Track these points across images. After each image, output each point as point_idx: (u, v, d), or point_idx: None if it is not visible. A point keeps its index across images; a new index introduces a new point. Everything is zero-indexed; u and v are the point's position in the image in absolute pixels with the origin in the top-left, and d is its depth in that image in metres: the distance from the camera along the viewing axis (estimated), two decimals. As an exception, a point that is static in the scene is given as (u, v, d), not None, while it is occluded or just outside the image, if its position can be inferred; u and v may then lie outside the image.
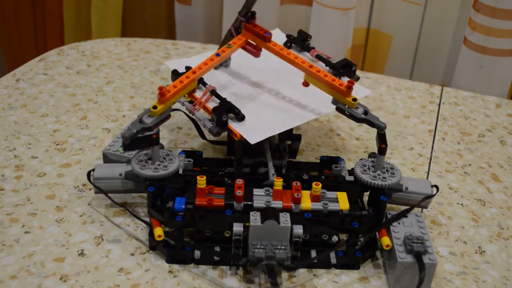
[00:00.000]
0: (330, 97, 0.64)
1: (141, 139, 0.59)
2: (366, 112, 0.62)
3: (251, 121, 0.64)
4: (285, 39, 0.78)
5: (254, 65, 0.74)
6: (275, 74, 0.73)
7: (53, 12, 1.36)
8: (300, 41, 0.77)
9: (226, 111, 0.62)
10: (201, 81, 0.67)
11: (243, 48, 0.71)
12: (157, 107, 0.59)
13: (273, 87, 0.71)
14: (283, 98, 0.69)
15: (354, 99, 0.62)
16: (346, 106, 0.63)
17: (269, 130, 0.63)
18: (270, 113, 0.67)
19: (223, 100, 0.64)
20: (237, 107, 0.63)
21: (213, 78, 0.71)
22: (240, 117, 0.63)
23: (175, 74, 0.69)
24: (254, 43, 0.70)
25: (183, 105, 0.66)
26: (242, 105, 0.66)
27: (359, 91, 0.71)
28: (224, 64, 0.74)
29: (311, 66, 0.66)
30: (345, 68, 0.71)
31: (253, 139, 0.61)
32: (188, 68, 0.69)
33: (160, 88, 0.59)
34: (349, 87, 0.62)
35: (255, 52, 0.70)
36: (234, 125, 0.63)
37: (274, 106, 0.68)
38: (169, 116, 0.60)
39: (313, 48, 0.75)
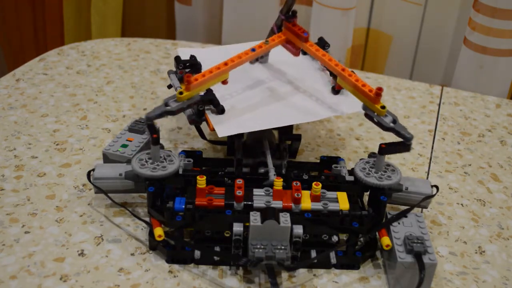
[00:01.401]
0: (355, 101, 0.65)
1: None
2: (394, 121, 0.61)
3: (235, 115, 0.65)
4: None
5: (292, 62, 0.75)
6: (310, 72, 0.74)
7: (53, 12, 1.36)
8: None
9: (205, 102, 0.63)
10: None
11: (284, 46, 0.71)
12: (183, 93, 0.60)
13: (299, 85, 0.72)
14: (301, 95, 0.70)
15: (383, 107, 0.61)
16: (375, 114, 0.62)
17: (243, 127, 0.64)
18: (268, 110, 0.67)
19: (208, 91, 0.64)
20: (217, 99, 0.64)
21: (246, 72, 0.73)
22: (219, 110, 0.64)
23: (178, 61, 0.69)
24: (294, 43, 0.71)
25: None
26: (251, 101, 0.68)
27: (347, 106, 0.69)
28: (260, 59, 0.74)
29: (343, 70, 0.65)
30: None
31: (221, 132, 0.62)
32: (192, 57, 0.70)
33: (188, 76, 0.59)
34: (378, 94, 0.61)
35: (294, 51, 0.71)
36: (211, 116, 0.64)
37: (281, 103, 0.68)
38: (195, 103, 0.61)
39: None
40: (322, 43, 0.75)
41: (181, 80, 0.69)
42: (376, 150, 0.64)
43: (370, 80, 0.99)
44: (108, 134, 0.79)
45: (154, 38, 1.07)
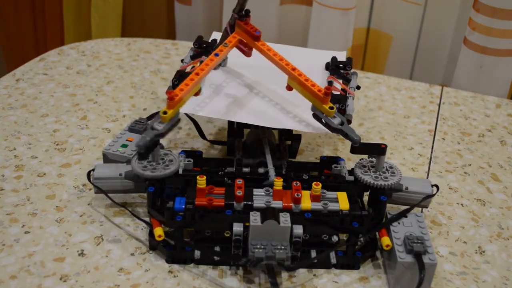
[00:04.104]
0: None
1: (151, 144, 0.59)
2: (342, 122, 0.61)
3: (209, 99, 0.67)
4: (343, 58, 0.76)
5: (250, 64, 0.73)
6: (269, 73, 0.72)
7: (53, 12, 1.36)
8: (338, 66, 0.73)
9: (184, 78, 0.64)
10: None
11: (236, 46, 0.70)
12: (167, 112, 0.57)
13: (266, 88, 0.71)
14: (270, 100, 0.69)
15: (331, 107, 0.61)
16: (324, 114, 0.61)
17: (205, 111, 0.65)
18: (243, 105, 0.67)
19: (186, 73, 0.66)
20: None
21: (211, 78, 0.71)
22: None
23: (197, 40, 0.73)
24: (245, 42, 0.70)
25: None
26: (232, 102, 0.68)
27: None
28: (222, 64, 0.73)
29: (293, 69, 0.64)
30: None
31: (185, 109, 0.63)
32: (214, 41, 0.74)
33: (169, 93, 0.57)
34: (327, 94, 0.60)
35: (246, 51, 0.70)
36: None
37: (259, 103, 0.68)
38: (179, 120, 0.59)
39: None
40: (347, 62, 0.72)
41: (193, 57, 0.72)
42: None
43: (370, 80, 0.99)
44: (108, 134, 0.79)
45: (154, 38, 1.07)
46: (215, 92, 0.69)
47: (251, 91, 0.71)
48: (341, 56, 0.76)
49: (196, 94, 0.64)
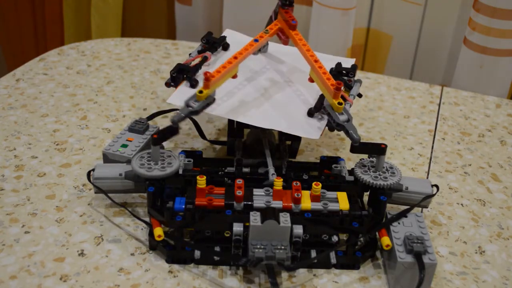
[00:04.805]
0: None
1: (166, 130, 0.62)
2: (348, 120, 0.61)
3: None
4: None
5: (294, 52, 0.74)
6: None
7: (53, 12, 1.36)
8: (341, 72, 0.72)
9: (182, 71, 0.66)
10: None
11: (276, 34, 0.71)
12: (203, 91, 0.60)
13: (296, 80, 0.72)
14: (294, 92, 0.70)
15: (340, 103, 0.61)
16: (332, 108, 0.62)
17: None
18: (240, 104, 0.67)
19: (191, 66, 0.68)
20: (194, 72, 0.67)
21: (250, 63, 0.73)
22: (191, 84, 0.67)
23: (206, 36, 0.74)
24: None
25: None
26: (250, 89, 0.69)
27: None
28: (262, 49, 0.74)
29: (316, 61, 0.66)
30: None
31: (170, 99, 0.65)
32: (223, 38, 0.75)
33: (206, 73, 0.60)
34: (338, 89, 0.61)
35: (284, 39, 0.71)
36: (181, 87, 0.67)
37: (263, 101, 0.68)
38: (214, 99, 0.62)
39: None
40: (352, 69, 0.72)
41: (199, 52, 0.72)
42: (376, 150, 0.64)
43: (370, 80, 0.99)
44: (108, 134, 0.79)
45: (154, 38, 1.07)
46: (248, 80, 0.71)
47: (271, 87, 0.71)
48: (349, 63, 0.75)
49: (234, 76, 0.66)
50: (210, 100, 0.61)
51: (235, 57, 0.65)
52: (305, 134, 0.63)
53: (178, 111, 0.59)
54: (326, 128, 0.64)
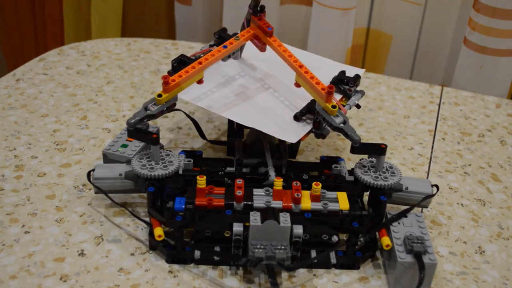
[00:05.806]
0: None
1: (141, 131, 0.61)
2: (345, 122, 0.61)
3: (211, 92, 0.68)
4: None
5: (263, 57, 0.73)
6: (281, 67, 0.72)
7: (53, 12, 1.36)
8: (342, 81, 0.70)
9: (183, 63, 0.65)
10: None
11: (251, 41, 0.71)
12: (162, 95, 0.59)
13: (275, 82, 0.71)
14: (277, 96, 0.69)
15: (334, 106, 0.61)
16: (327, 113, 0.61)
17: (196, 100, 0.66)
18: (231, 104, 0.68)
19: (186, 57, 0.66)
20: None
21: (220, 69, 0.72)
22: None
23: (220, 32, 0.72)
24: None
25: None
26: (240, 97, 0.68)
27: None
28: (232, 55, 0.74)
29: (301, 66, 0.65)
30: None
31: (186, 97, 0.66)
32: (235, 34, 0.72)
33: (165, 77, 0.59)
34: (329, 93, 0.60)
35: (261, 46, 0.71)
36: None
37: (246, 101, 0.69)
38: (174, 105, 0.61)
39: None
40: (354, 79, 0.70)
41: (211, 46, 0.71)
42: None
43: (370, 80, 0.99)
44: (108, 134, 0.79)
45: (154, 38, 1.07)
46: (223, 84, 0.70)
47: (259, 87, 0.71)
48: (354, 72, 0.72)
49: (200, 82, 0.65)
50: (169, 105, 0.60)
51: (200, 62, 0.64)
52: (282, 137, 0.63)
53: (135, 113, 0.59)
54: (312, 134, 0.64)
